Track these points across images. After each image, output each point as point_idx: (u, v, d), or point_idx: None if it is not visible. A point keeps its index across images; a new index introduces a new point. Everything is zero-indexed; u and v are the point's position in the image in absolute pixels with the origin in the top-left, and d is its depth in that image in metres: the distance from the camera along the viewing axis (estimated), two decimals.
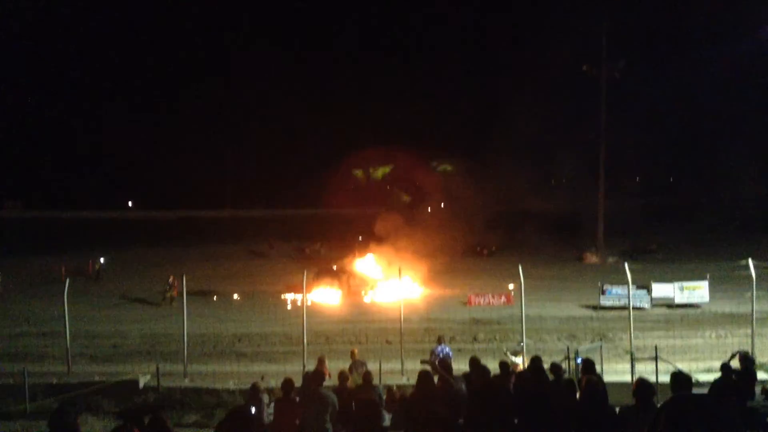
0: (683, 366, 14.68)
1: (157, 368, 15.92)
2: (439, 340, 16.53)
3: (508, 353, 15.50)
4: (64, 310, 17.55)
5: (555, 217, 51.92)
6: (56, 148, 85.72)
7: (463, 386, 9.41)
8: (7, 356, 20.28)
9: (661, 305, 26.50)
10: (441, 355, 15.36)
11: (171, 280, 29.90)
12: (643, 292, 26.27)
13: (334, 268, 35.54)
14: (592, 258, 44.68)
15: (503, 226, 49.97)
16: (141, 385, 15.79)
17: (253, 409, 9.62)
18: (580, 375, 10.02)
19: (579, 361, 11.89)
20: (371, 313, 27.04)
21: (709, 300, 26.69)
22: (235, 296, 31.62)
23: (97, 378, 16.11)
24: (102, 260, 39.09)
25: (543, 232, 49.06)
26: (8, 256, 44.32)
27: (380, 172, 57.91)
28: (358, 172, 56.75)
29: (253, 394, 10.79)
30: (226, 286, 33.74)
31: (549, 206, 55.90)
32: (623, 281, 18.46)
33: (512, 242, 49.23)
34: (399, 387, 13.21)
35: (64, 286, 17.97)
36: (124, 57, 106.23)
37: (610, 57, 43.95)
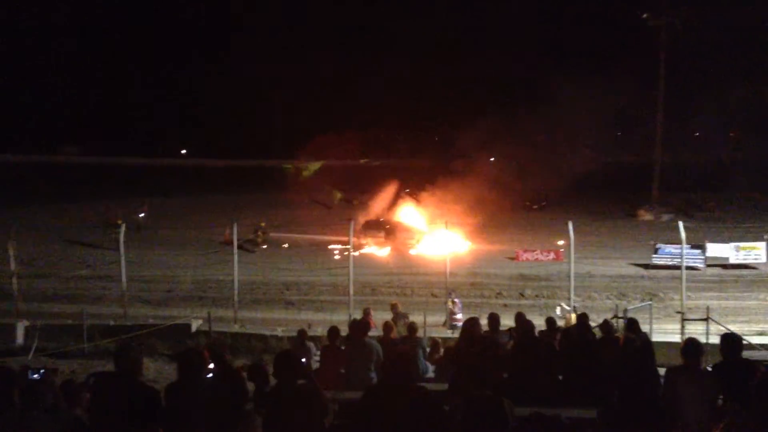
0: (735, 328, 14.35)
1: (209, 313, 16.37)
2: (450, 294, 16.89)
3: (563, 306, 15.63)
4: (120, 255, 18.11)
5: (609, 172, 50.76)
6: (111, 94, 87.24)
7: (508, 341, 9.42)
8: (67, 298, 21.16)
9: (716, 265, 25.84)
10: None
11: (262, 225, 31.14)
12: (698, 251, 25.56)
13: (381, 220, 35.67)
14: (645, 215, 43.66)
15: (554, 180, 49.06)
16: (193, 329, 16.28)
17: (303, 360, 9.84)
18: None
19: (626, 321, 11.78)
20: (417, 266, 27.12)
21: (767, 261, 25.89)
22: (285, 245, 32.09)
23: (151, 321, 16.68)
24: (142, 215, 37.62)
25: (596, 187, 48.07)
26: (64, 201, 45.85)
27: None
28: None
29: (299, 340, 11.03)
30: (278, 235, 34.09)
31: (605, 160, 54.61)
32: (677, 240, 18.04)
33: (563, 197, 48.41)
34: (443, 340, 13.29)
35: (120, 232, 18.53)
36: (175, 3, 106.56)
37: (671, 5, 42.13)
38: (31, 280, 22.45)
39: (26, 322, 16.23)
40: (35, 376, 5.77)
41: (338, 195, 52.97)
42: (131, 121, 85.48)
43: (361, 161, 77.05)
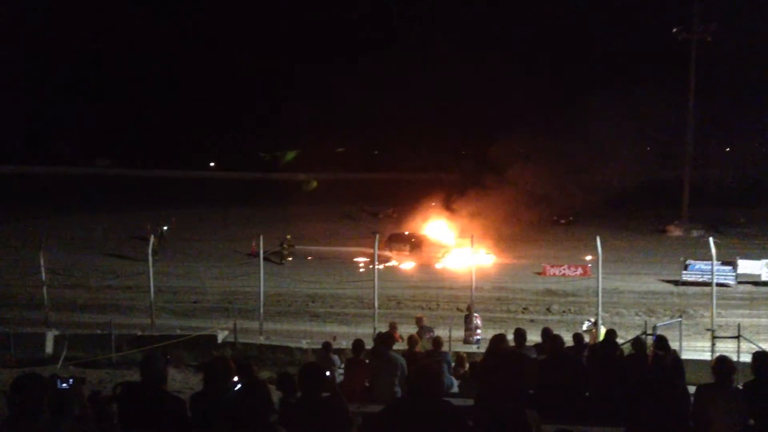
0: (767, 346, 14.07)
1: (235, 324, 16.45)
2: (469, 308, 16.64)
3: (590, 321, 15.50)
4: (149, 266, 18.32)
5: (637, 187, 50.13)
6: (144, 108, 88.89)
7: (535, 356, 9.33)
8: (96, 308, 21.42)
9: (747, 282, 25.38)
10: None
11: (288, 238, 31.71)
12: (729, 268, 25.16)
13: (407, 233, 35.65)
14: (675, 231, 43.07)
15: (583, 195, 48.60)
16: (219, 340, 16.37)
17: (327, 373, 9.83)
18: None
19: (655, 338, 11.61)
20: (442, 280, 27.04)
21: None
22: (309, 257, 32.22)
23: (178, 331, 16.79)
24: (165, 227, 36.09)
25: (625, 202, 47.54)
26: (95, 212, 46.66)
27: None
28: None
29: (324, 353, 11.03)
30: (304, 248, 34.13)
31: (633, 175, 54.03)
32: (707, 256, 17.76)
33: (591, 212, 47.92)
34: (468, 355, 13.21)
35: (149, 243, 18.78)
36: (213, 21, 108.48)
37: (701, 19, 41.76)
38: (61, 289, 22.79)
39: (55, 332, 16.45)
40: (64, 385, 5.83)
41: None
42: (162, 134, 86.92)
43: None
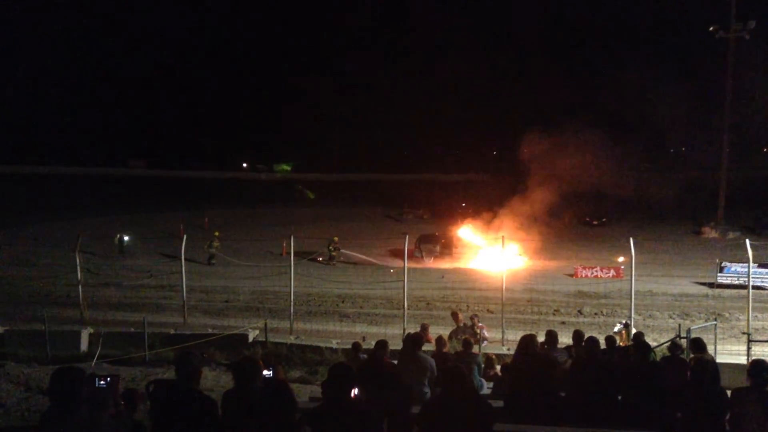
0: None
1: (266, 324, 16.58)
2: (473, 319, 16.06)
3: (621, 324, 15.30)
4: (182, 266, 18.56)
5: (674, 188, 49.36)
6: (178, 110, 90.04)
7: (566, 359, 9.24)
8: (130, 306, 21.77)
9: None
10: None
11: (335, 240, 32.06)
12: (765, 270, 24.62)
13: (437, 234, 35.55)
14: (711, 232, 42.29)
15: (615, 196, 47.96)
16: (250, 339, 16.50)
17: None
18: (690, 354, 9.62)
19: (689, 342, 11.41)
20: (473, 281, 26.90)
21: None
22: (341, 259, 32.32)
23: (209, 330, 16.98)
24: (126, 237, 34.49)
25: (658, 204, 46.82)
26: (131, 213, 47.35)
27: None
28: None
29: (354, 353, 11.05)
30: (348, 252, 34.19)
31: (666, 176, 53.22)
32: (743, 258, 17.42)
33: (625, 213, 47.31)
34: (499, 356, 13.13)
35: (181, 243, 19.03)
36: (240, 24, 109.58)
37: (739, 17, 40.94)
38: (96, 288, 23.21)
39: (90, 330, 16.75)
40: (102, 383, 5.97)
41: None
42: (195, 136, 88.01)
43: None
